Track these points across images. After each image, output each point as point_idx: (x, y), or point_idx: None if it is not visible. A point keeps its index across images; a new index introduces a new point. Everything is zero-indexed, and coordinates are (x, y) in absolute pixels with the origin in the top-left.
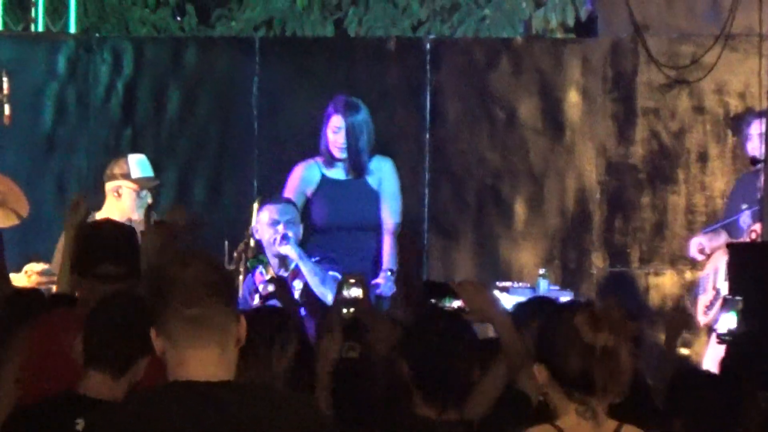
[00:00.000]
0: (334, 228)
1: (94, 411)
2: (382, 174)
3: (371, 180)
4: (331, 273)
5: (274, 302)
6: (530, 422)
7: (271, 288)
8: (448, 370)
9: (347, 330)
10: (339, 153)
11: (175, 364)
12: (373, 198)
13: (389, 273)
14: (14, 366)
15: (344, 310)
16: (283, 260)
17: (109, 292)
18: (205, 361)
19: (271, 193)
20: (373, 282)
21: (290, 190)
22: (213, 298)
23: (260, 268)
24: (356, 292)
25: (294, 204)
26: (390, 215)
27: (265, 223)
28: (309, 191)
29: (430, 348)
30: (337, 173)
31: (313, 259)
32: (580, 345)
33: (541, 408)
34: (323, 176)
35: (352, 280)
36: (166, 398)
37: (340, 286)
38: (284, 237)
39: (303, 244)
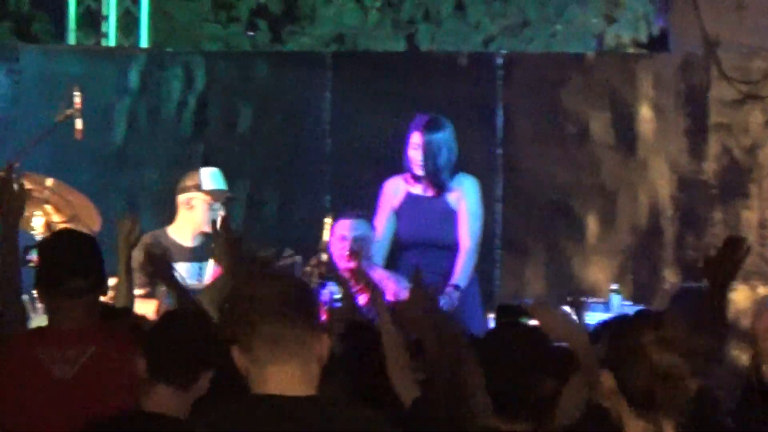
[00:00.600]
0: (413, 244)
1: (173, 427)
2: (463, 192)
3: (450, 198)
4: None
5: None
6: None
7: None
8: (519, 381)
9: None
10: (418, 170)
11: (258, 381)
12: (450, 216)
13: (454, 289)
14: None
15: None
16: (354, 275)
17: (78, 305)
18: (286, 377)
19: (343, 209)
20: None
21: (381, 207)
22: (292, 315)
23: (329, 286)
24: None
25: (367, 219)
26: (467, 234)
27: (336, 238)
28: (396, 207)
29: (501, 359)
30: (419, 189)
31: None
32: (646, 365)
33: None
34: (407, 192)
35: None
36: (248, 412)
37: None
38: (351, 252)
39: (393, 260)
